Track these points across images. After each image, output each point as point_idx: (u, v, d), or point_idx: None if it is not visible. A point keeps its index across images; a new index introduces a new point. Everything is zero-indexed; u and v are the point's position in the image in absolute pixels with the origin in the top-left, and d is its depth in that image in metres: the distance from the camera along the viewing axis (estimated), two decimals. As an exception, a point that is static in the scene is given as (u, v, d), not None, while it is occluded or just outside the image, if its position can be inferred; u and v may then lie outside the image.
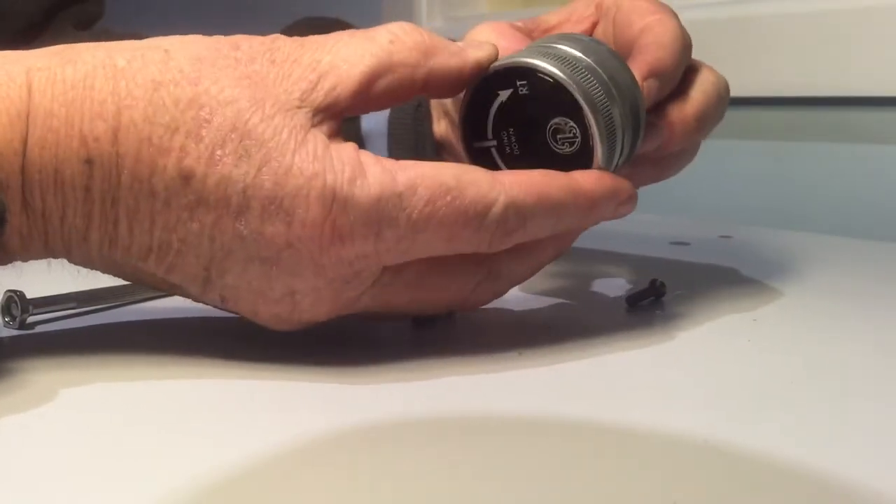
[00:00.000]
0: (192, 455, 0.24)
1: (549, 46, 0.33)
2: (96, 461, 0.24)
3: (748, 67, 0.72)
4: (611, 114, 0.32)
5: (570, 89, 0.32)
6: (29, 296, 0.36)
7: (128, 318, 0.38)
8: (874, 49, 0.65)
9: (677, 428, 0.26)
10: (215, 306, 0.32)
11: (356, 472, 0.24)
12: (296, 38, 0.32)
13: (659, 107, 0.37)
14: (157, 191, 0.29)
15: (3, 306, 0.36)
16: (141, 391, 0.29)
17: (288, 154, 0.29)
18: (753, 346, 0.35)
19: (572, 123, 0.32)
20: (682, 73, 0.39)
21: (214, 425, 0.27)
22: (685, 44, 0.38)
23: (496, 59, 0.33)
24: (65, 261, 0.32)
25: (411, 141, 0.48)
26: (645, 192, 0.42)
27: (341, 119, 0.31)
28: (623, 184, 0.33)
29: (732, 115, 0.42)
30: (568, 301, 0.42)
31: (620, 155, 0.34)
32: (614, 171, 0.34)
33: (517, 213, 0.31)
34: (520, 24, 0.42)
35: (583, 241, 0.48)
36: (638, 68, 0.35)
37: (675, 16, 0.39)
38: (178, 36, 0.31)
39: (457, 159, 0.33)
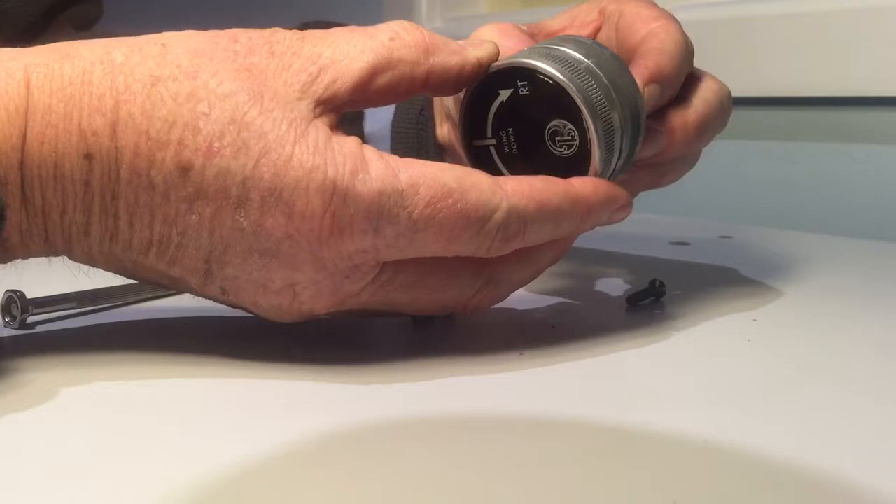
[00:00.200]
0: (193, 455, 0.24)
1: (552, 48, 0.33)
2: (96, 461, 0.24)
3: (748, 67, 0.72)
4: (610, 117, 0.32)
5: (570, 92, 0.32)
6: (29, 296, 0.36)
7: (128, 318, 0.38)
8: (874, 49, 0.65)
9: (677, 428, 0.26)
10: (216, 299, 0.32)
11: (356, 472, 0.24)
12: (295, 31, 0.32)
13: (660, 113, 0.37)
14: (155, 184, 0.29)
15: (3, 306, 0.36)
16: (141, 391, 0.29)
17: (288, 145, 0.29)
18: (753, 346, 0.35)
19: (571, 126, 0.32)
20: (685, 80, 0.39)
21: (215, 425, 0.27)
22: (687, 51, 0.38)
23: (497, 58, 0.33)
24: (65, 260, 0.32)
25: (414, 145, 0.48)
26: (645, 192, 0.42)
27: (341, 113, 0.31)
28: (619, 191, 0.33)
29: (733, 115, 0.42)
30: (568, 301, 0.42)
31: (619, 159, 0.34)
32: (613, 175, 0.34)
33: (518, 219, 0.31)
34: (524, 27, 0.42)
35: (583, 242, 0.48)
36: (639, 74, 0.35)
37: (678, 23, 0.39)
38: (175, 32, 0.32)
39: (459, 163, 0.33)
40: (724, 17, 0.73)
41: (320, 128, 0.30)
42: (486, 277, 0.33)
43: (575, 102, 0.32)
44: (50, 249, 0.31)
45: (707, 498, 0.22)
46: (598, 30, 0.41)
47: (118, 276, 0.33)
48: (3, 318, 0.36)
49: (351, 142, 0.30)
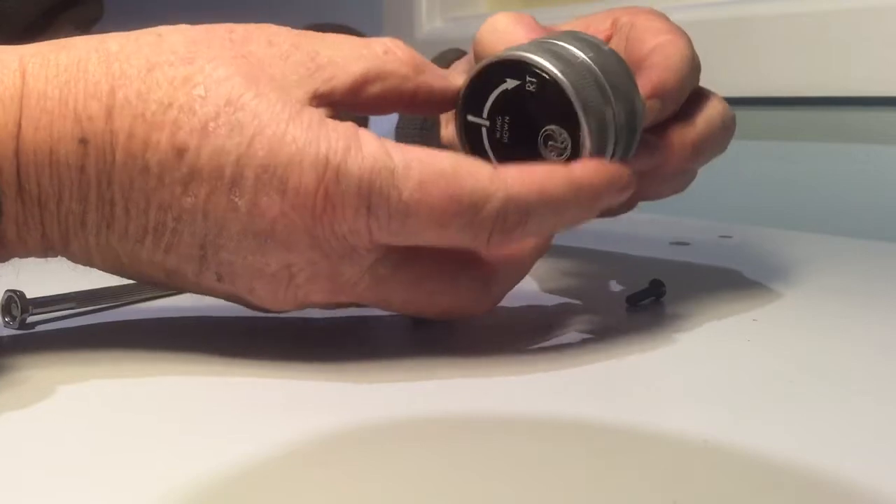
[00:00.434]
0: (193, 454, 0.24)
1: (569, 51, 0.33)
2: (96, 460, 0.24)
3: (748, 67, 0.72)
4: (603, 116, 0.32)
5: (577, 110, 0.31)
6: (29, 296, 0.36)
7: (127, 318, 0.38)
8: (874, 49, 0.65)
9: (677, 428, 0.26)
10: (212, 290, 0.32)
11: (356, 472, 0.24)
12: (292, 29, 0.32)
13: (660, 128, 0.37)
14: (150, 166, 0.29)
15: (3, 306, 0.36)
16: (140, 390, 0.29)
17: (282, 123, 0.29)
18: (753, 346, 0.35)
19: (566, 135, 0.32)
20: (691, 97, 0.38)
21: (215, 424, 0.27)
22: (693, 67, 0.38)
23: None
24: (64, 259, 0.32)
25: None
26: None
27: (337, 111, 0.31)
28: (621, 170, 0.33)
29: (732, 115, 0.42)
30: (568, 301, 0.42)
31: (611, 158, 0.33)
32: None
33: (517, 209, 0.30)
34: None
35: (583, 241, 0.48)
36: (642, 87, 0.35)
37: (688, 38, 0.39)
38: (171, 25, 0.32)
39: None
40: (724, 17, 0.73)
41: (314, 111, 0.30)
42: (485, 281, 0.33)
43: (577, 117, 0.31)
44: (47, 244, 0.31)
45: (707, 498, 0.22)
46: (609, 39, 0.41)
47: (116, 276, 0.33)
48: (3, 317, 0.36)
49: (346, 123, 0.30)
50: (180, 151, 0.29)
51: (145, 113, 0.29)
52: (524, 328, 0.38)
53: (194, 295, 0.33)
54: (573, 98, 0.32)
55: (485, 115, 0.33)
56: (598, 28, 0.42)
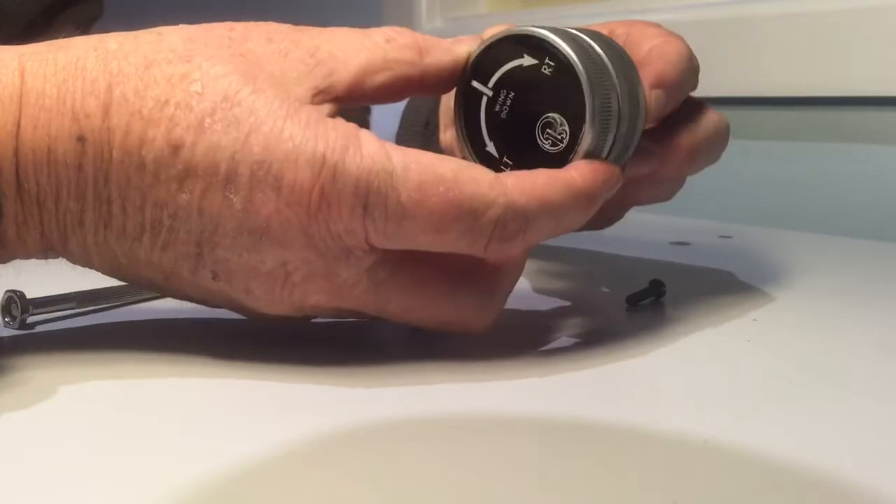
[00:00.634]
0: (193, 455, 0.24)
1: (588, 44, 0.32)
2: (96, 460, 0.24)
3: (748, 67, 0.72)
4: (607, 133, 0.32)
5: (587, 106, 0.31)
6: (29, 296, 0.36)
7: (127, 318, 0.38)
8: (874, 49, 0.65)
9: (677, 428, 0.26)
10: (210, 295, 0.32)
11: (356, 472, 0.24)
12: (292, 25, 0.32)
13: (657, 134, 0.37)
14: (146, 163, 0.29)
15: (3, 306, 0.36)
16: (140, 390, 0.29)
17: (279, 120, 0.29)
18: (753, 346, 0.35)
19: (566, 128, 0.32)
20: (687, 106, 0.38)
21: (215, 425, 0.27)
22: (691, 64, 0.38)
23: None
24: (64, 259, 0.32)
25: None
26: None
27: (340, 107, 0.31)
28: (614, 170, 0.33)
29: (733, 115, 0.42)
30: (568, 301, 0.42)
31: (609, 152, 0.33)
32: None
33: (517, 217, 0.30)
34: None
35: (583, 242, 0.48)
36: (644, 80, 0.35)
37: (684, 41, 0.39)
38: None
39: None
40: (724, 17, 0.73)
41: (313, 109, 0.30)
42: (486, 293, 0.33)
43: (585, 110, 0.31)
44: (46, 244, 0.31)
45: (707, 498, 0.22)
46: None
47: (114, 278, 0.33)
48: (3, 317, 0.36)
49: (348, 123, 0.30)
50: (176, 148, 0.29)
51: (142, 110, 0.29)
52: (524, 328, 0.37)
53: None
54: (587, 93, 0.31)
55: (490, 84, 0.33)
56: None
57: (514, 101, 0.33)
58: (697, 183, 0.41)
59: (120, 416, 0.27)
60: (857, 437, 0.26)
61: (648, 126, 0.35)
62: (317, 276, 0.31)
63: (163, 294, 0.34)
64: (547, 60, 0.32)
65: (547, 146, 0.32)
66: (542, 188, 0.31)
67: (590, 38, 0.33)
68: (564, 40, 0.32)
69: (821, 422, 0.27)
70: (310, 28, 0.32)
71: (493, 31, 0.39)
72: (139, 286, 0.34)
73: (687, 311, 0.39)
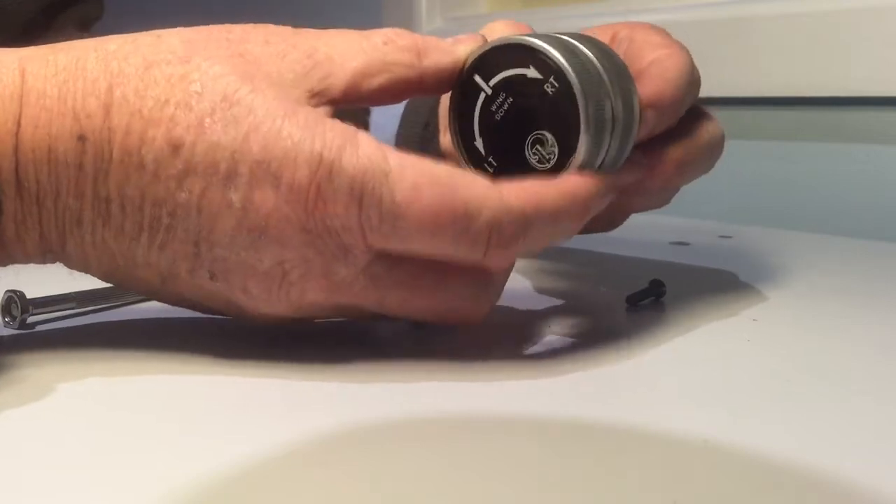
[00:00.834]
0: (193, 455, 0.24)
1: (597, 70, 0.32)
2: (95, 460, 0.24)
3: (748, 67, 0.72)
4: (596, 157, 0.32)
5: (581, 138, 0.31)
6: (29, 296, 0.36)
7: (127, 318, 0.38)
8: (874, 49, 0.65)
9: (677, 428, 0.26)
10: (207, 297, 0.32)
11: (356, 472, 0.24)
12: (291, 28, 0.32)
13: (647, 144, 0.37)
14: (146, 163, 0.30)
15: (3, 306, 0.36)
16: (141, 390, 0.29)
17: (278, 119, 0.29)
18: (753, 346, 0.35)
19: (556, 150, 0.32)
20: (685, 112, 0.38)
21: (215, 425, 0.27)
22: (691, 81, 0.38)
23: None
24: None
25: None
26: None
27: (336, 109, 0.31)
28: (606, 179, 0.33)
29: (732, 115, 0.42)
30: (568, 301, 0.42)
31: (601, 162, 0.33)
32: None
33: (514, 220, 0.30)
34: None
35: (583, 242, 0.48)
36: (640, 95, 0.35)
37: (687, 53, 0.39)
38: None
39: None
40: (724, 17, 0.73)
41: (312, 110, 0.30)
42: (482, 283, 0.33)
43: (579, 128, 0.31)
44: (45, 246, 0.31)
45: (707, 498, 0.22)
46: None
47: (111, 283, 0.33)
48: (3, 318, 0.36)
49: (345, 124, 0.30)
50: (176, 147, 0.29)
51: (142, 109, 0.30)
52: (524, 328, 0.37)
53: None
54: (583, 124, 0.31)
55: (491, 83, 0.33)
56: None
57: (511, 107, 0.33)
58: (697, 183, 0.41)
59: (120, 415, 0.27)
60: (856, 437, 0.26)
61: (640, 139, 0.35)
62: (315, 274, 0.31)
63: (159, 299, 0.34)
64: (552, 80, 0.32)
65: (534, 161, 0.32)
66: (537, 193, 0.31)
67: (587, 47, 0.33)
68: (572, 63, 0.32)
69: (821, 422, 0.27)
70: (308, 30, 0.33)
71: (500, 26, 0.38)
72: (136, 290, 0.34)
73: (687, 311, 0.39)
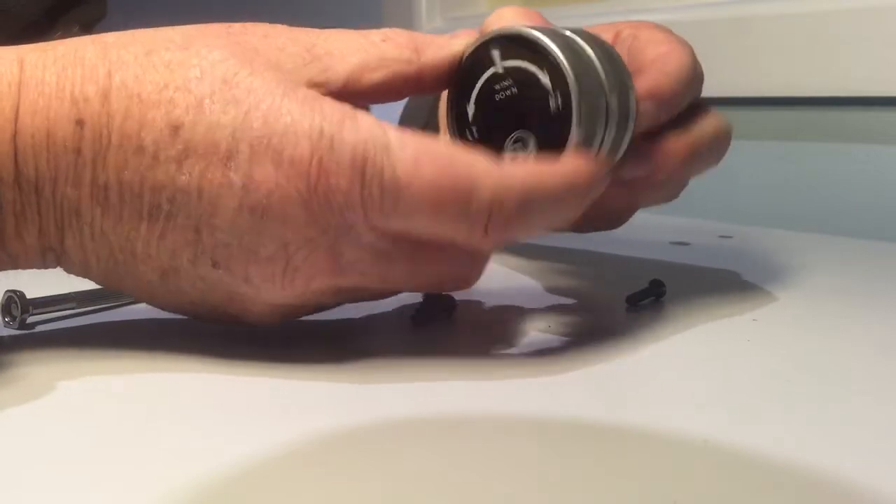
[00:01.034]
0: (193, 455, 0.24)
1: (602, 88, 0.32)
2: (95, 461, 0.24)
3: (748, 67, 0.72)
4: (594, 134, 0.32)
5: (572, 132, 0.31)
6: (29, 296, 0.36)
7: (127, 318, 0.38)
8: (874, 49, 0.65)
9: (677, 428, 0.26)
10: (206, 286, 0.32)
11: (356, 472, 0.24)
12: (289, 26, 0.33)
13: (654, 137, 0.37)
14: (145, 145, 0.30)
15: (3, 306, 0.36)
16: (140, 391, 0.29)
17: (277, 98, 0.30)
18: (753, 346, 0.35)
19: (534, 151, 0.32)
20: (688, 109, 0.38)
21: (214, 424, 0.27)
22: (693, 77, 0.38)
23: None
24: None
25: None
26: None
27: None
28: (601, 163, 0.33)
29: (732, 115, 0.42)
30: (568, 301, 0.42)
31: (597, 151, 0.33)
32: None
33: (514, 199, 0.30)
34: None
35: (583, 242, 0.48)
36: (639, 88, 0.35)
37: (691, 50, 0.39)
38: None
39: None
40: (724, 17, 0.73)
41: (310, 90, 0.30)
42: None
43: (566, 140, 0.31)
44: (44, 242, 0.31)
45: (707, 498, 0.22)
46: None
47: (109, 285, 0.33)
48: (3, 318, 0.36)
49: (343, 103, 0.30)
50: (175, 128, 0.30)
51: (141, 94, 0.30)
52: (524, 328, 0.37)
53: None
54: (571, 138, 0.31)
55: (505, 65, 0.32)
56: None
57: (512, 96, 0.32)
58: (697, 183, 0.41)
59: (120, 415, 0.27)
60: (857, 437, 0.26)
61: (639, 132, 0.35)
62: (319, 254, 0.30)
63: (156, 302, 0.34)
64: (559, 95, 0.31)
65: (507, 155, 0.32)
66: (536, 172, 0.31)
67: (586, 43, 0.33)
68: (580, 83, 0.31)
69: (821, 422, 0.27)
70: (307, 28, 0.33)
71: (509, 13, 0.37)
72: (134, 292, 0.33)
73: (687, 311, 0.39)
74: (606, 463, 0.25)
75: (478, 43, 0.33)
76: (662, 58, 0.37)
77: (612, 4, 0.85)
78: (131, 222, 0.31)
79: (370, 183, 0.29)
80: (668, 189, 0.41)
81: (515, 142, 0.32)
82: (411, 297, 0.40)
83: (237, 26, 0.32)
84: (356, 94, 0.32)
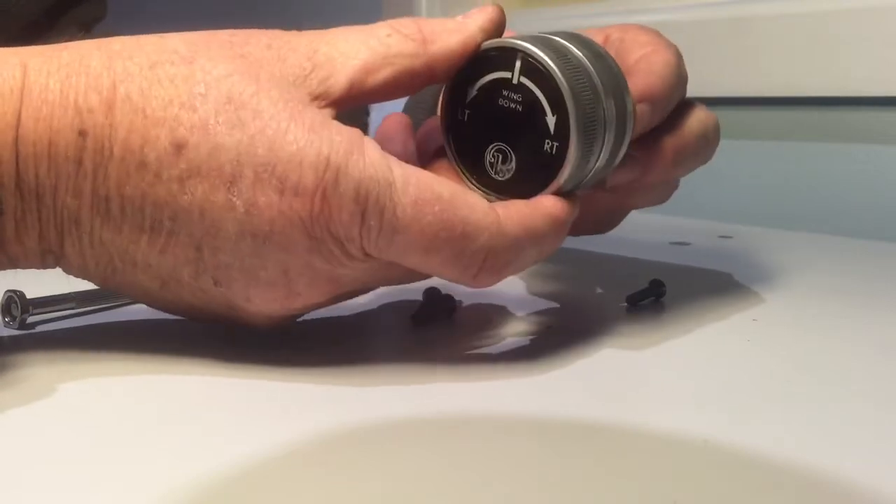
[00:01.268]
0: (193, 454, 0.24)
1: (588, 77, 0.32)
2: (95, 461, 0.24)
3: (748, 67, 0.72)
4: (592, 151, 0.32)
5: (562, 171, 0.31)
6: (29, 296, 0.36)
7: (127, 318, 0.38)
8: (874, 49, 0.65)
9: (677, 428, 0.26)
10: (207, 298, 0.32)
11: (356, 472, 0.24)
12: (293, 31, 0.32)
13: (640, 139, 0.36)
14: (148, 161, 0.29)
15: (3, 306, 0.36)
16: (141, 390, 0.29)
17: (283, 122, 0.29)
18: (753, 346, 0.35)
19: (512, 167, 0.32)
20: (675, 106, 0.38)
21: (215, 425, 0.27)
22: (678, 75, 0.37)
23: (502, 17, 0.33)
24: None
25: None
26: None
27: (338, 110, 0.31)
28: (574, 205, 0.33)
29: (732, 115, 0.42)
30: (568, 301, 0.42)
31: (593, 167, 0.33)
32: (584, 182, 0.33)
33: (507, 245, 0.30)
34: None
35: (583, 242, 0.48)
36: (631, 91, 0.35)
37: (675, 49, 0.39)
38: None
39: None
40: (723, 17, 0.73)
41: (318, 112, 0.30)
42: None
43: (558, 174, 0.31)
44: (44, 245, 0.31)
45: (707, 498, 0.22)
46: None
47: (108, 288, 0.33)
48: (3, 318, 0.36)
49: (351, 129, 0.30)
50: (179, 147, 0.29)
51: (146, 109, 0.29)
52: (524, 328, 0.38)
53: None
54: (557, 181, 0.31)
55: (519, 77, 0.32)
56: None
57: (515, 111, 0.32)
58: (697, 183, 0.41)
59: (120, 415, 0.27)
60: (856, 437, 0.26)
61: (634, 137, 0.35)
62: (321, 280, 0.31)
63: (156, 305, 0.34)
64: (555, 146, 0.31)
65: (486, 165, 0.32)
66: (527, 217, 0.31)
67: (579, 48, 0.32)
68: (582, 120, 0.31)
69: (821, 422, 0.27)
70: (311, 32, 0.32)
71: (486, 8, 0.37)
72: (134, 296, 0.33)
73: (687, 311, 0.39)
74: (606, 463, 0.25)
75: (507, 45, 0.32)
76: (647, 58, 0.37)
77: (611, 4, 0.85)
78: (132, 235, 0.31)
79: (369, 220, 0.29)
80: (659, 191, 0.41)
81: (499, 150, 0.32)
82: (411, 297, 0.40)
83: (240, 35, 0.32)
84: (363, 96, 0.31)
